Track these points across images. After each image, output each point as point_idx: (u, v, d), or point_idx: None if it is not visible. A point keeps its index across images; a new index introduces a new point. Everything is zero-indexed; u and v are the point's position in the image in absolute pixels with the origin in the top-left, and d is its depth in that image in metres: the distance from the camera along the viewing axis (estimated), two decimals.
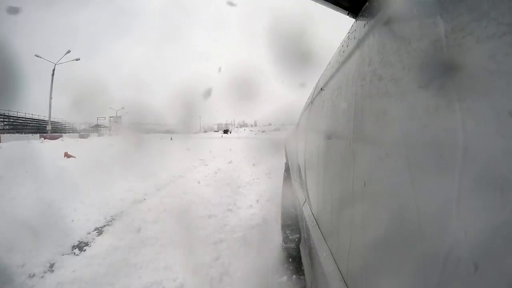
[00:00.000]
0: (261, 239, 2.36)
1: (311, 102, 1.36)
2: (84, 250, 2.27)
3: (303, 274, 1.31)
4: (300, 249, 1.47)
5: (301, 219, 1.38)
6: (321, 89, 1.04)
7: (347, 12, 0.67)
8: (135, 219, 2.91)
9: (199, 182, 4.72)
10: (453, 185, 0.24)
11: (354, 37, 0.63)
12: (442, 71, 0.28)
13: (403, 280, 0.34)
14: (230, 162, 7.27)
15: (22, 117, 26.47)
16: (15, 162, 4.48)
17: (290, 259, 1.87)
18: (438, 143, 0.28)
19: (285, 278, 1.77)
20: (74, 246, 2.34)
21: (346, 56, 0.68)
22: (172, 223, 2.81)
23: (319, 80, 1.21)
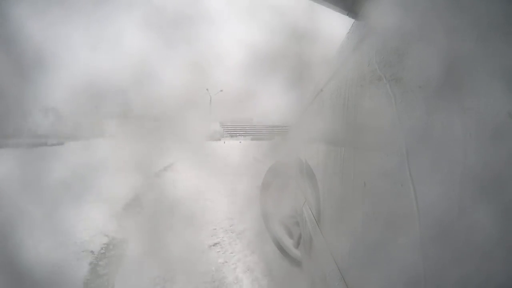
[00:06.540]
0: None
1: (311, 102, 1.35)
2: None
3: None
4: (300, 249, 1.47)
5: (301, 219, 1.38)
6: (321, 89, 1.04)
7: (347, 12, 0.67)
8: None
9: None
10: (453, 185, 0.24)
11: (354, 37, 0.63)
12: (442, 71, 0.28)
13: (403, 280, 0.34)
14: None
15: None
16: None
17: None
18: (438, 142, 0.28)
19: None
20: None
21: (346, 56, 0.68)
22: None
23: (318, 81, 1.21)
